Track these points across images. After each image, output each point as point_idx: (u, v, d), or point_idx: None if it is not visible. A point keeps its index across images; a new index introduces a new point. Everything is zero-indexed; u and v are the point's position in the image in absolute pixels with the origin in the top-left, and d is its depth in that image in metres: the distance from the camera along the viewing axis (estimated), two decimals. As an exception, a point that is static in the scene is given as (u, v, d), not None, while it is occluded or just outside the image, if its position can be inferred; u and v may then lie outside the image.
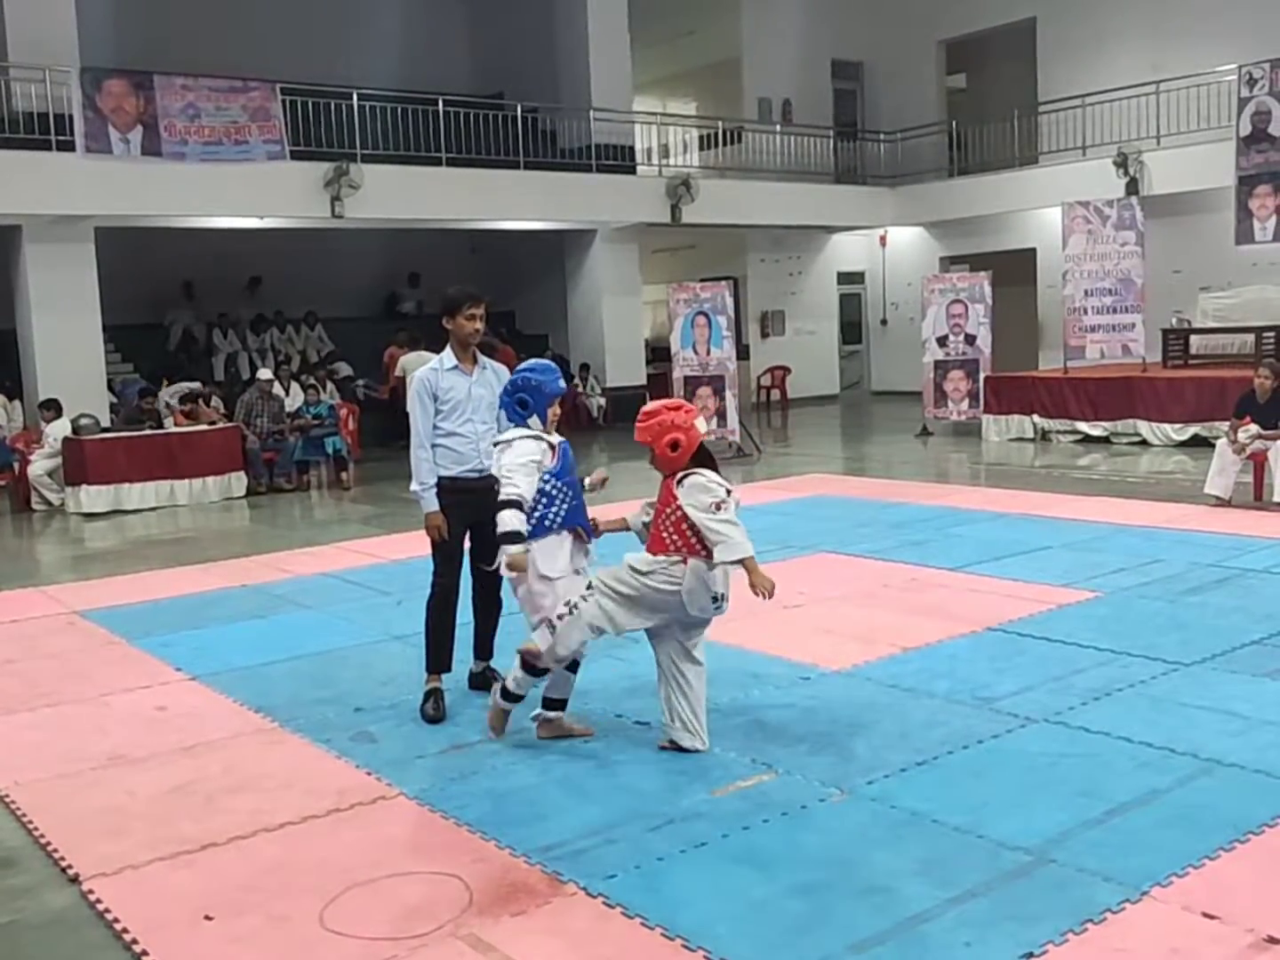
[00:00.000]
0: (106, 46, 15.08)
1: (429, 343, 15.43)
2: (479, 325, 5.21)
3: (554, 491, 4.59)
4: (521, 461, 4.52)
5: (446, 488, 5.17)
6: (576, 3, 18.62)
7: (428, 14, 20.02)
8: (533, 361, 4.92)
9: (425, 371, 5.22)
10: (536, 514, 4.55)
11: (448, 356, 5.24)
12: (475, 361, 5.28)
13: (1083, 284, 15.10)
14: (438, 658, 5.30)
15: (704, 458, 4.49)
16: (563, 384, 4.84)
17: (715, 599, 4.46)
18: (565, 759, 4.57)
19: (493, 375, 5.29)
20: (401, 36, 19.02)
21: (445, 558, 5.29)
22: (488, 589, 5.42)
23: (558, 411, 4.76)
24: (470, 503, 5.14)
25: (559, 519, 4.59)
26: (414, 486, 5.19)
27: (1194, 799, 3.93)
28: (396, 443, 16.67)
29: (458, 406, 5.17)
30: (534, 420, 4.67)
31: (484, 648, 5.53)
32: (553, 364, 4.96)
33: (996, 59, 21.78)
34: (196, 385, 14.91)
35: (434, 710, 5.17)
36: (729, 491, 4.38)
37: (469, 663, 5.56)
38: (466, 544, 5.36)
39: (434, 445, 5.16)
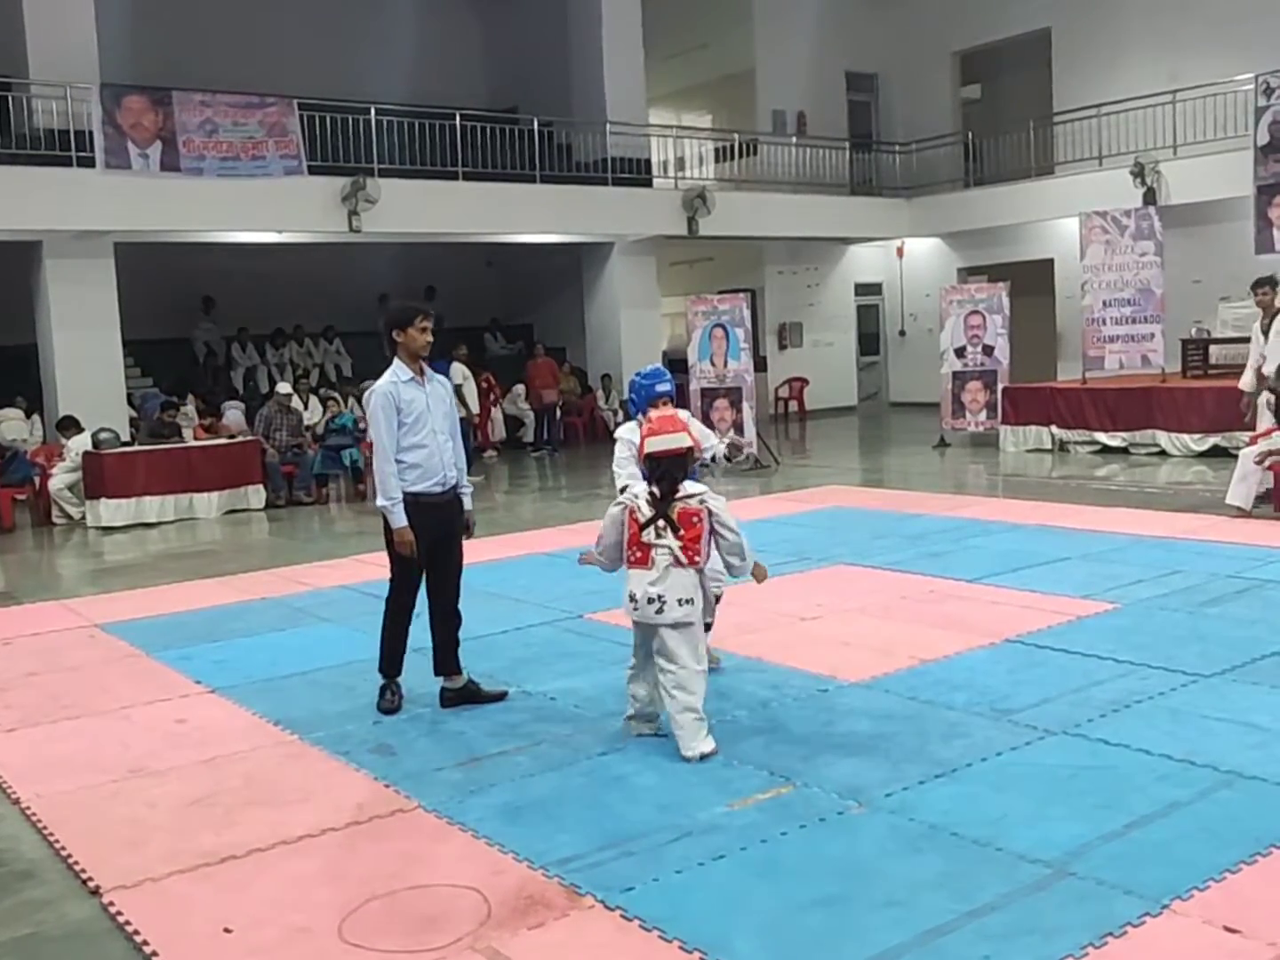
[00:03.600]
0: (126, 63, 15.22)
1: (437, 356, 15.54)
2: (430, 338, 5.35)
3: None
4: (622, 455, 5.42)
5: (410, 504, 5.20)
6: (591, 17, 18.68)
7: (443, 29, 20.14)
8: (646, 367, 5.69)
9: (386, 385, 5.24)
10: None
11: (401, 369, 5.29)
12: (423, 373, 5.38)
13: (1101, 294, 15.06)
14: (393, 663, 5.48)
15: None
16: (663, 387, 5.44)
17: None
18: (583, 772, 4.58)
19: (440, 386, 5.46)
20: (417, 52, 19.13)
21: (405, 575, 5.36)
22: (449, 604, 5.48)
23: (661, 411, 5.26)
24: (433, 520, 5.26)
25: None
26: (381, 501, 5.22)
27: (1214, 812, 3.92)
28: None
29: (421, 418, 5.25)
30: (640, 416, 5.41)
31: (452, 662, 5.51)
32: (660, 369, 5.59)
33: (1011, 69, 21.76)
34: (238, 405, 15.07)
35: (391, 700, 5.40)
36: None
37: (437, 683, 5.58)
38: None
39: (397, 460, 5.21)
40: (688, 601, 4.62)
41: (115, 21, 15.09)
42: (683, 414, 5.32)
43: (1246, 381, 10.02)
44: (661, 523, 4.63)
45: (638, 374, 5.58)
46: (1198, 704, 4.97)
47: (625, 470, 5.35)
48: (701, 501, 4.66)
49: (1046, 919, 3.27)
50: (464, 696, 5.47)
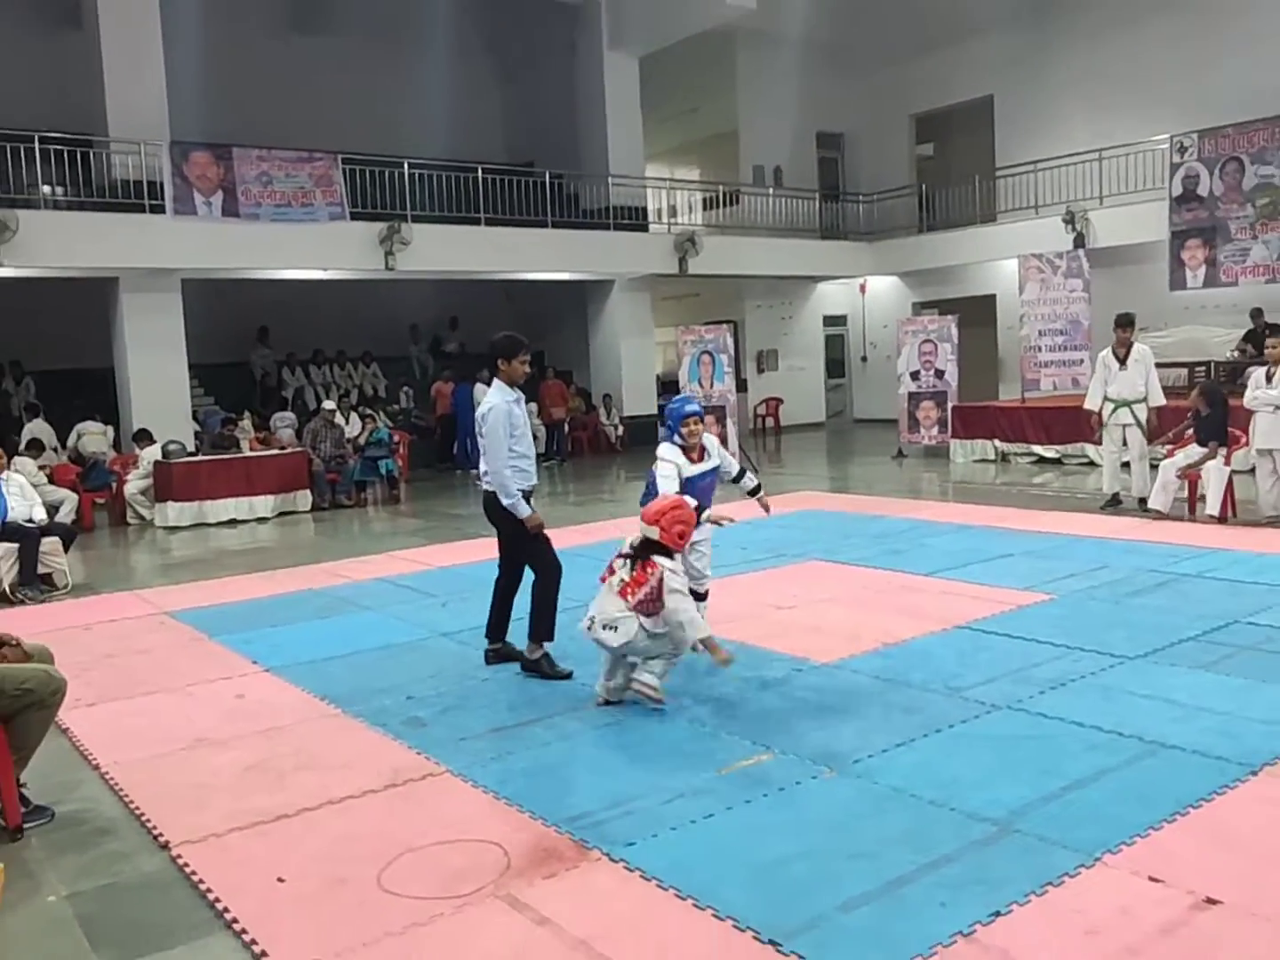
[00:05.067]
0: (193, 122, 15.16)
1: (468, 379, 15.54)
2: (528, 369, 5.54)
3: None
4: (666, 475, 5.41)
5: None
6: (596, 84, 18.71)
7: (469, 94, 20.14)
8: (675, 398, 5.84)
9: (504, 404, 5.34)
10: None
11: (507, 391, 5.41)
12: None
13: (1037, 325, 15.07)
14: (552, 628, 5.52)
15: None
16: (691, 407, 5.53)
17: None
18: (590, 742, 4.56)
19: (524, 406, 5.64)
20: (447, 113, 19.08)
21: (550, 550, 5.50)
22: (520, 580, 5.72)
23: (692, 428, 5.49)
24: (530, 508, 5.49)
25: None
26: (508, 500, 5.32)
27: (1140, 777, 3.91)
28: (441, 465, 16.77)
29: (524, 432, 5.45)
30: (676, 437, 5.55)
31: (504, 630, 5.77)
32: (689, 396, 5.83)
33: (959, 130, 21.76)
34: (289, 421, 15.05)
35: (556, 667, 5.47)
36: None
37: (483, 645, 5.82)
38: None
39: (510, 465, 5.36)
40: (613, 627, 4.78)
41: (184, 85, 15.07)
42: (710, 439, 5.61)
43: (1094, 402, 10.00)
44: (632, 559, 4.88)
45: (671, 402, 5.71)
46: (1125, 682, 4.95)
47: (670, 486, 5.38)
48: (663, 569, 4.79)
49: (994, 870, 3.26)
50: (505, 655, 5.72)
